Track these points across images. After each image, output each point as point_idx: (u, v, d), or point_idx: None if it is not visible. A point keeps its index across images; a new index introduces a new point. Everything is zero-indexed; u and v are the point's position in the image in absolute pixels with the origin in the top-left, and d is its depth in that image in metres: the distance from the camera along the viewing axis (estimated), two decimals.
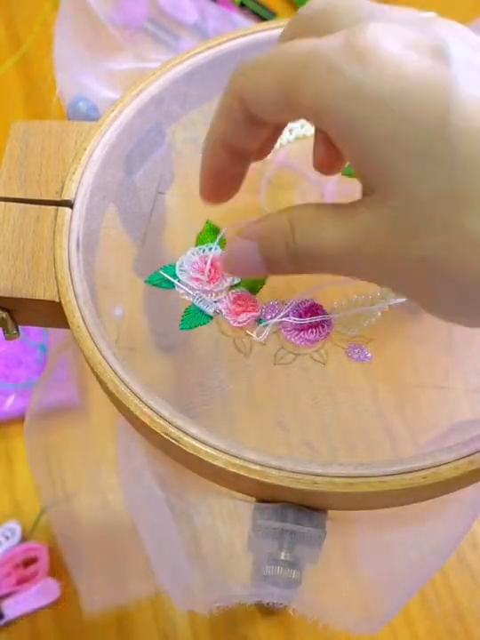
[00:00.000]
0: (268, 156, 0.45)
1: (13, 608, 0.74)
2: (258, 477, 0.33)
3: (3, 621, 0.73)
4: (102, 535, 0.66)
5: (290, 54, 0.29)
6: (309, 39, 0.29)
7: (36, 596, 0.74)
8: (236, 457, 0.34)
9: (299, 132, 0.46)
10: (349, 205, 0.30)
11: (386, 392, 0.38)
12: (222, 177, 0.35)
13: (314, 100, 0.28)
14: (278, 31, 0.48)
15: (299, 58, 0.29)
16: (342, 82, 0.27)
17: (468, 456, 0.34)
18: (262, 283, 0.40)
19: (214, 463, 0.34)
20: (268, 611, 0.69)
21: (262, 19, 0.93)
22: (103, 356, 0.37)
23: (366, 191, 0.30)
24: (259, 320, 0.39)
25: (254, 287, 0.40)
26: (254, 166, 0.45)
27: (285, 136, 0.46)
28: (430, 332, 0.39)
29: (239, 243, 0.33)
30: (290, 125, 0.46)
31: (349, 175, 0.45)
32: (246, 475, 0.33)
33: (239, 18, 0.58)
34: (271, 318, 0.39)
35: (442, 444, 0.36)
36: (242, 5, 0.93)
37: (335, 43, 0.28)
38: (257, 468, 0.33)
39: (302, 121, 0.46)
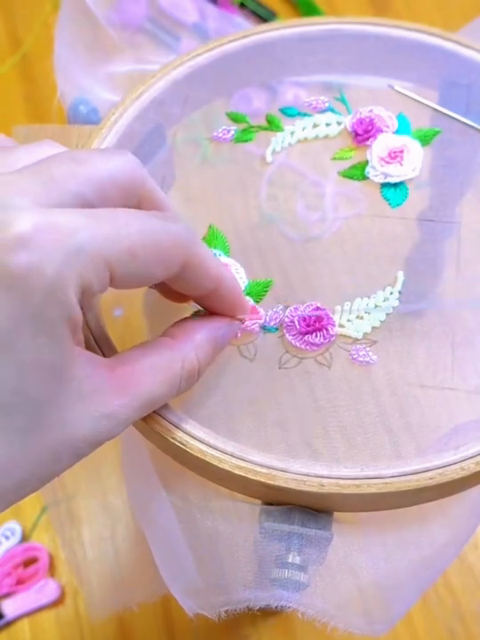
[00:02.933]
0: (268, 158, 0.46)
1: (13, 608, 0.73)
2: (264, 480, 0.33)
3: (3, 621, 0.73)
4: (103, 536, 0.66)
5: None
6: None
7: (35, 595, 0.74)
8: (243, 460, 0.34)
9: (299, 135, 0.46)
10: None
11: (388, 393, 0.38)
12: None
13: None
14: (277, 33, 0.48)
15: None
16: None
17: (474, 457, 0.34)
18: (265, 290, 0.40)
19: (221, 466, 0.34)
20: (268, 611, 0.69)
21: (262, 19, 0.93)
22: None
23: None
24: (262, 326, 0.39)
25: (258, 295, 0.40)
26: (255, 167, 0.46)
27: (286, 138, 0.46)
28: (432, 333, 0.39)
29: None
30: (290, 128, 0.46)
31: (348, 176, 0.45)
32: (253, 478, 0.33)
33: (239, 19, 0.58)
34: (275, 324, 0.39)
35: (444, 445, 0.36)
36: (242, 5, 0.93)
37: None
38: (263, 470, 0.34)
39: (302, 122, 0.47)
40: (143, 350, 0.33)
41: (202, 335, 0.35)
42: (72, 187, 0.30)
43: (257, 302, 0.40)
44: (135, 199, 0.33)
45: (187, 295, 0.36)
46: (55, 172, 0.29)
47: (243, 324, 0.38)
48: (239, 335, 0.39)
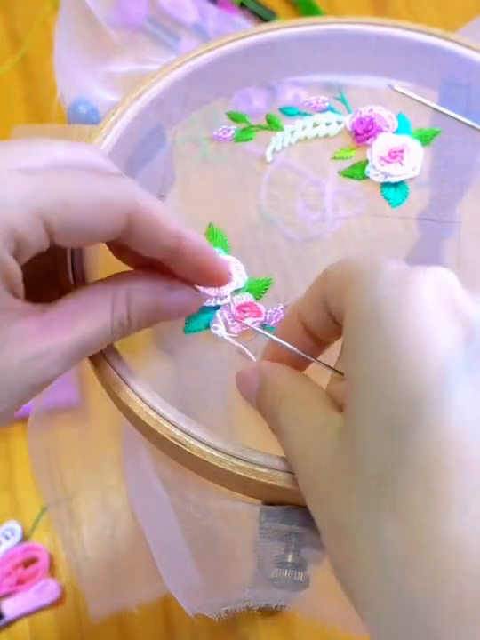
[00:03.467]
0: (269, 157, 0.46)
1: (13, 608, 0.74)
2: (265, 480, 0.33)
3: (3, 621, 0.73)
4: (103, 536, 0.66)
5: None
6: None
7: (35, 595, 0.74)
8: (242, 460, 0.34)
9: (299, 134, 0.46)
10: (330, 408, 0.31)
11: None
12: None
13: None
14: (277, 33, 0.48)
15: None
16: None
17: None
18: (266, 288, 0.40)
19: (221, 466, 0.34)
20: (268, 611, 0.69)
21: (262, 19, 0.93)
22: (107, 360, 0.37)
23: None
24: (263, 325, 0.39)
25: (258, 292, 0.40)
26: (255, 167, 0.46)
27: (286, 137, 0.46)
28: None
29: (249, 373, 0.35)
30: (291, 127, 0.46)
31: (348, 176, 0.45)
32: (253, 478, 0.33)
33: (239, 19, 0.58)
34: (275, 323, 0.39)
35: None
36: (242, 5, 0.93)
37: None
38: (264, 470, 0.34)
39: (302, 122, 0.47)
40: (76, 292, 0.33)
41: (140, 285, 0.34)
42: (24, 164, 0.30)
43: (257, 300, 0.40)
44: None
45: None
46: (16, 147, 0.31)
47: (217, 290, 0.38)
48: (195, 309, 0.37)
